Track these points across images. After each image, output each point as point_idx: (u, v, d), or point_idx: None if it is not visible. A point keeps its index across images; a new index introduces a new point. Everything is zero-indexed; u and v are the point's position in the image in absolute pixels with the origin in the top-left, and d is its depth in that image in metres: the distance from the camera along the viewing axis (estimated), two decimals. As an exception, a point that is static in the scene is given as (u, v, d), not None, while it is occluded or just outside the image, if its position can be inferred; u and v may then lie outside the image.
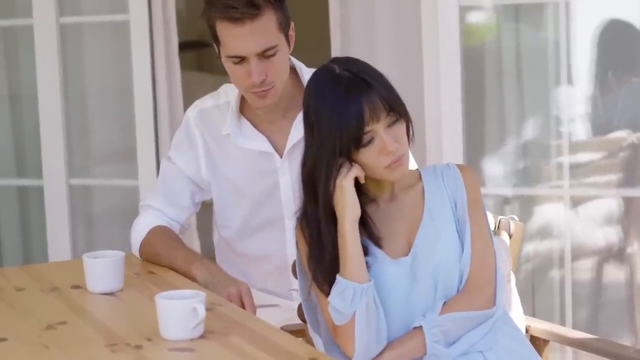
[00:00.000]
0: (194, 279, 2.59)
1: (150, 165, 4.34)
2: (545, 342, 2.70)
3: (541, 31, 3.91)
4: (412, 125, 2.32)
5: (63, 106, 4.44)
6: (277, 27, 2.62)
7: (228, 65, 2.67)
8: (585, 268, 3.95)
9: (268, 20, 2.59)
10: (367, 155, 2.24)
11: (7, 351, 2.09)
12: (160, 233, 2.80)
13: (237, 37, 2.59)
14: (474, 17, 4.04)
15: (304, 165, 2.29)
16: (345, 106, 2.20)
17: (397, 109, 2.25)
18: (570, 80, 3.86)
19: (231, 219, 2.88)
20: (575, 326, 3.85)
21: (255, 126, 2.80)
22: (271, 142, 2.79)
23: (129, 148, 4.42)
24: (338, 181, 2.23)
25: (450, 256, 2.33)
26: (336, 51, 4.13)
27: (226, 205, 2.88)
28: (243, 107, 2.81)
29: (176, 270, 2.66)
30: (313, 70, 2.61)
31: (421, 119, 3.90)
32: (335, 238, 2.26)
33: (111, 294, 2.47)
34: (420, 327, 2.27)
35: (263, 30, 2.59)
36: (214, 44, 2.71)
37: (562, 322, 3.85)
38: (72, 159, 4.51)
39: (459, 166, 2.43)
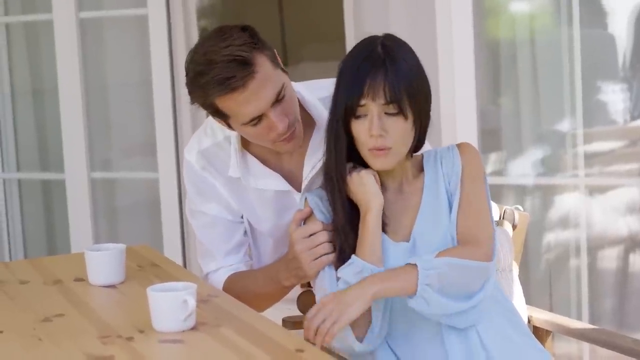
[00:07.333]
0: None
1: (170, 158, 4.37)
2: (548, 332, 2.69)
3: (556, 21, 3.89)
4: (423, 130, 2.33)
5: (84, 100, 4.49)
6: (272, 67, 2.42)
7: (246, 130, 2.45)
8: (605, 258, 3.92)
9: (264, 67, 2.39)
10: (357, 129, 2.27)
11: (1, 343, 2.11)
12: (230, 286, 2.63)
13: (247, 102, 2.38)
14: (492, 7, 4.03)
15: (329, 121, 2.34)
16: (355, 72, 2.25)
17: (398, 104, 2.25)
18: (591, 70, 3.83)
19: (260, 257, 2.74)
20: (592, 316, 3.83)
21: (263, 162, 2.60)
22: (284, 176, 2.59)
23: (149, 141, 4.46)
24: (356, 173, 2.30)
25: (448, 243, 2.32)
26: (350, 43, 4.13)
27: (252, 245, 2.73)
28: (245, 141, 2.60)
29: (277, 296, 2.60)
30: (312, 87, 2.59)
31: (436, 110, 3.88)
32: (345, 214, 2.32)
33: (112, 286, 2.50)
34: (415, 265, 2.20)
35: (265, 79, 2.39)
36: (220, 120, 2.49)
37: (579, 312, 3.83)
38: (93, 153, 4.56)
39: (458, 145, 2.42)
